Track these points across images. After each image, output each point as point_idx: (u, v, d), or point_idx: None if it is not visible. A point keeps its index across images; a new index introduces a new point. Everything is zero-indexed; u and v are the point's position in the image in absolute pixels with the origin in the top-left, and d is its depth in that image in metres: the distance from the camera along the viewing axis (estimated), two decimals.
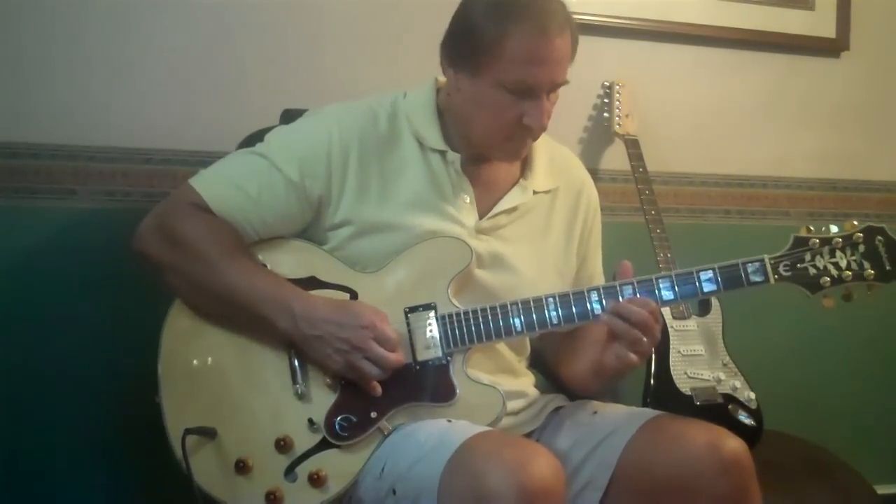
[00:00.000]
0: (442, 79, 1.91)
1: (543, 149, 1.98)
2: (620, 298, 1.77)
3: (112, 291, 2.28)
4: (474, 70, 1.77)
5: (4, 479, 2.25)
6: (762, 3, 2.90)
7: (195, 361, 1.80)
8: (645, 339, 1.72)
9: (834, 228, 1.79)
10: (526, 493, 1.49)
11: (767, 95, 2.97)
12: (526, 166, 1.96)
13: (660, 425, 1.78)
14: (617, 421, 1.81)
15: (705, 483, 1.66)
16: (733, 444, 1.69)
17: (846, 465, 2.44)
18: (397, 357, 1.74)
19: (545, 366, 2.08)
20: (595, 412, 1.89)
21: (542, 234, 1.95)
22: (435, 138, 1.87)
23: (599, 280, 2.06)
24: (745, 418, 2.40)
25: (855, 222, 1.79)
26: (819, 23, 2.96)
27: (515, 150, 1.87)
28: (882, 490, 2.73)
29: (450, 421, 1.73)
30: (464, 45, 1.78)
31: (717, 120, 2.91)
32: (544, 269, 1.92)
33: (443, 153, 1.87)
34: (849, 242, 1.77)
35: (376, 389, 1.74)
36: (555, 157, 2.01)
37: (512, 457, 1.54)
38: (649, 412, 1.84)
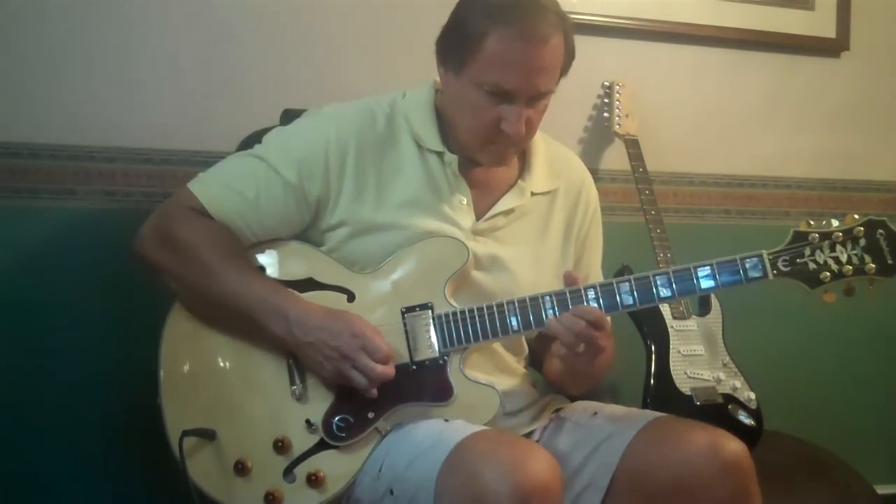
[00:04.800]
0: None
1: (543, 149, 1.97)
2: (617, 296, 1.76)
3: (112, 291, 2.28)
4: (458, 68, 1.77)
5: (4, 478, 2.25)
6: (762, 3, 2.90)
7: (195, 363, 1.81)
8: (581, 347, 1.73)
9: (835, 222, 1.76)
10: (522, 492, 1.50)
11: (767, 95, 2.97)
12: (525, 168, 1.95)
13: (660, 427, 1.78)
14: (618, 422, 1.81)
15: (706, 485, 1.66)
16: (733, 447, 1.69)
17: (846, 465, 2.43)
18: (385, 370, 1.73)
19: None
20: (595, 413, 1.89)
21: (540, 236, 1.94)
22: (433, 139, 1.87)
23: (596, 279, 2.05)
24: (745, 418, 2.40)
25: (856, 216, 1.76)
26: (819, 23, 2.96)
27: (498, 154, 1.86)
28: (882, 490, 2.72)
29: (447, 420, 1.73)
30: (451, 42, 1.79)
31: (717, 120, 2.91)
32: (542, 271, 1.92)
33: (440, 154, 1.86)
34: (850, 236, 1.74)
35: (373, 393, 1.74)
36: (555, 158, 2.01)
37: (508, 456, 1.55)
38: (650, 414, 1.84)
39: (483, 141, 1.82)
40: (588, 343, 1.73)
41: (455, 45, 1.78)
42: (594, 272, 2.06)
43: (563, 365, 1.82)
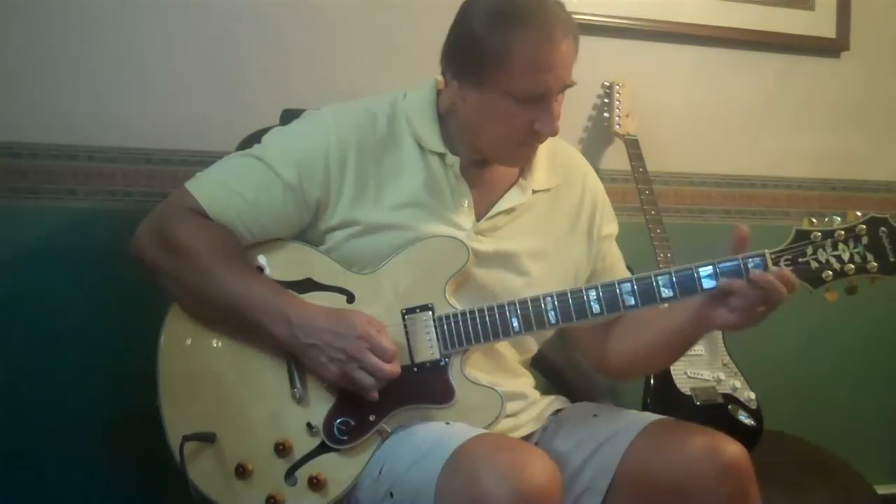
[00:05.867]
0: (441, 79, 1.89)
1: (544, 147, 1.95)
2: (619, 296, 1.75)
3: (112, 291, 2.28)
4: (480, 82, 1.75)
5: (3, 479, 2.25)
6: (762, 3, 2.91)
7: (193, 365, 1.80)
8: (763, 306, 1.70)
9: (836, 220, 1.74)
10: (521, 496, 1.50)
11: (767, 95, 2.97)
12: (526, 165, 1.95)
13: (660, 429, 1.78)
14: (617, 424, 1.81)
15: (705, 488, 1.66)
16: (733, 449, 1.69)
17: (846, 465, 2.44)
18: (392, 368, 1.72)
19: (586, 358, 2.06)
20: (595, 415, 1.89)
21: (542, 233, 1.93)
22: (434, 141, 1.85)
23: (621, 265, 2.04)
24: (745, 418, 2.40)
25: (858, 213, 1.73)
26: (819, 23, 2.96)
27: (528, 155, 1.86)
28: (882, 490, 2.73)
29: (447, 423, 1.73)
30: (468, 58, 1.76)
31: (717, 120, 2.91)
32: (545, 267, 1.91)
33: (442, 156, 1.85)
34: (852, 234, 1.72)
35: (374, 396, 1.74)
36: (556, 154, 1.99)
37: (508, 460, 1.55)
38: (650, 416, 1.84)
39: (515, 146, 1.82)
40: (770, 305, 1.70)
41: (474, 61, 1.74)
42: (618, 258, 2.05)
43: (737, 320, 1.73)
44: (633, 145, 2.66)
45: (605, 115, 2.72)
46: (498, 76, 1.72)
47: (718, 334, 2.50)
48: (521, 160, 1.88)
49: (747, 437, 2.24)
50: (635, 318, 1.88)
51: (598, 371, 2.05)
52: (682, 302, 1.76)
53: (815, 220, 1.75)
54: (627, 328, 1.94)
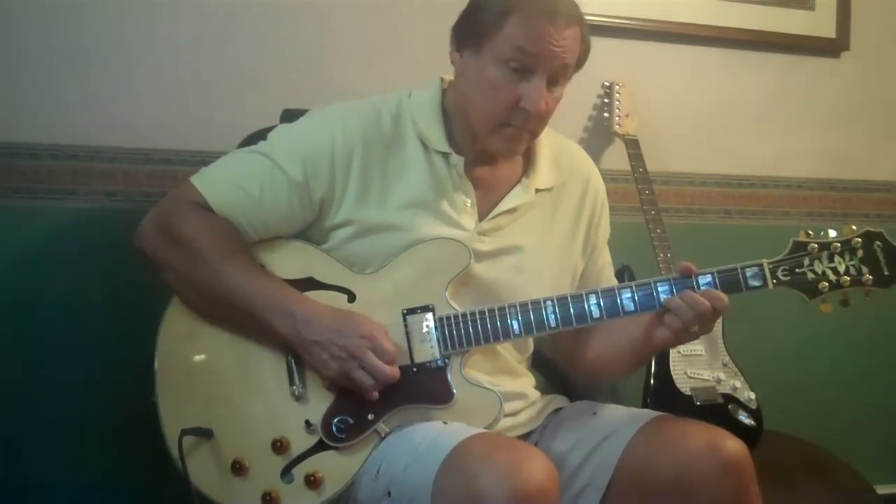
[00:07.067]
0: (447, 77, 1.90)
1: (548, 145, 1.96)
2: (619, 302, 1.77)
3: (111, 291, 2.28)
4: (477, 46, 1.76)
5: (2, 478, 2.25)
6: (762, 3, 2.91)
7: (192, 361, 1.80)
8: (697, 327, 1.75)
9: (832, 233, 1.78)
10: (518, 495, 1.49)
11: (767, 95, 2.97)
12: (529, 164, 1.94)
13: (660, 426, 1.78)
14: (617, 422, 1.81)
15: (705, 484, 1.66)
16: (733, 446, 1.69)
17: (846, 465, 2.44)
18: (392, 370, 1.72)
19: (558, 357, 2.08)
20: (595, 413, 1.89)
21: (544, 232, 1.93)
22: (439, 140, 1.86)
23: (609, 272, 2.06)
24: (745, 418, 2.40)
25: (853, 227, 1.78)
26: (819, 23, 2.96)
27: (512, 138, 1.82)
28: (882, 490, 2.73)
29: (445, 423, 1.73)
30: (471, 23, 1.78)
31: (717, 120, 2.91)
32: (546, 266, 1.91)
33: (446, 155, 1.86)
34: (847, 247, 1.76)
35: (374, 396, 1.74)
36: (560, 153, 1.99)
37: (505, 459, 1.55)
38: (650, 413, 1.84)
39: (498, 123, 1.80)
40: (703, 324, 1.75)
41: (476, 24, 1.76)
42: (608, 264, 2.06)
43: (670, 337, 1.78)
44: (633, 145, 2.66)
45: (605, 115, 2.73)
46: (493, 38, 1.74)
47: (718, 334, 2.50)
48: (507, 143, 1.84)
49: (747, 437, 2.23)
50: (607, 323, 1.88)
51: (569, 369, 2.07)
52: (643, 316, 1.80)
53: (811, 233, 1.78)
54: (600, 331, 1.95)
